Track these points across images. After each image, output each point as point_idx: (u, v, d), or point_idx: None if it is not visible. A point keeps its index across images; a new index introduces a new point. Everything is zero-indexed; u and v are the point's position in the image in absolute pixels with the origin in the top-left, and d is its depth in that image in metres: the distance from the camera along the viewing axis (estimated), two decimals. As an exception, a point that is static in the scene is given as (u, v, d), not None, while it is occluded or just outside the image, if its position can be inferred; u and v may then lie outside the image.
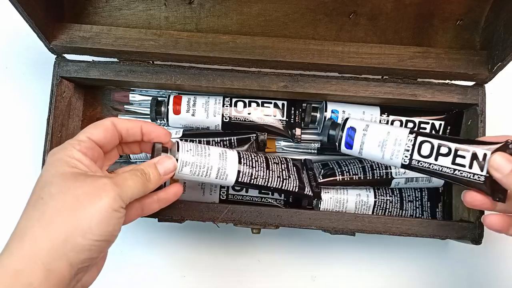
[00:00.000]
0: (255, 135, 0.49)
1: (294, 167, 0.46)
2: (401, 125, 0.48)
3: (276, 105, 0.49)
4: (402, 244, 0.52)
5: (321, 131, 0.43)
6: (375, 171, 0.47)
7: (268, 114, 0.49)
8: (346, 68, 0.46)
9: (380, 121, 0.48)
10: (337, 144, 0.42)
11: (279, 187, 0.43)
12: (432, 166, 0.37)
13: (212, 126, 0.49)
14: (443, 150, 0.36)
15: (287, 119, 0.49)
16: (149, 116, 0.49)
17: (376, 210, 0.48)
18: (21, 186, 0.53)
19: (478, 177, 0.35)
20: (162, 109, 0.48)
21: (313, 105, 0.49)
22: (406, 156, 0.38)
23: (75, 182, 0.31)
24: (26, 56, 0.55)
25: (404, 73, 0.46)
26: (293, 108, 0.49)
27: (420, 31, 0.47)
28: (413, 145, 0.37)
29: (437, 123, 0.48)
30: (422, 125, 0.48)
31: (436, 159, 0.37)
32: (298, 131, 0.49)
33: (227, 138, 0.48)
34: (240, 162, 0.41)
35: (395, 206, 0.49)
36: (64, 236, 0.29)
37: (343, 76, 0.46)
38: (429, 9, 0.46)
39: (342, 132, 0.41)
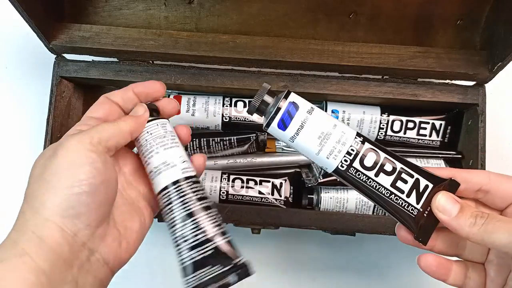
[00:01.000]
0: (255, 135, 0.49)
1: None
2: (401, 125, 0.48)
3: (276, 105, 0.49)
4: (402, 244, 0.52)
5: (255, 97, 0.33)
6: (375, 171, 0.47)
7: (268, 114, 0.49)
8: (346, 68, 0.46)
9: (380, 121, 0.48)
10: (266, 118, 0.32)
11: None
12: (370, 182, 0.31)
13: (212, 126, 0.49)
14: (388, 167, 0.31)
15: (287, 119, 0.49)
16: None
17: (376, 210, 0.48)
18: (21, 186, 0.53)
19: (412, 209, 0.31)
20: (162, 109, 0.48)
21: (313, 105, 0.49)
22: (345, 161, 0.31)
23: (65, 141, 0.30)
24: (26, 56, 0.55)
25: (404, 73, 0.46)
26: (293, 108, 0.49)
27: (420, 31, 0.47)
28: (358, 150, 0.31)
29: (437, 123, 0.48)
30: (422, 125, 0.48)
31: (377, 175, 0.31)
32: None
33: (227, 138, 0.48)
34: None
35: (395, 206, 0.48)
36: (40, 202, 0.28)
37: (343, 76, 0.46)
38: (429, 9, 0.46)
39: (280, 104, 0.31)
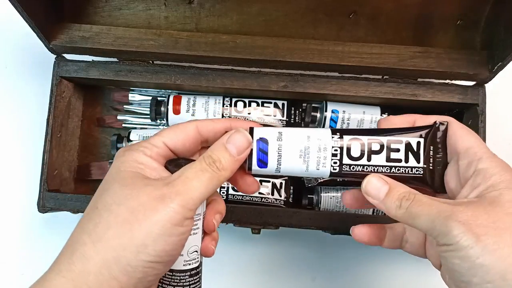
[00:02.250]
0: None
1: None
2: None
3: (276, 105, 0.49)
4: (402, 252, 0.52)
5: None
6: (375, 171, 0.47)
7: (268, 114, 0.49)
8: (346, 68, 0.46)
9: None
10: (246, 162, 0.31)
11: None
12: (366, 168, 0.31)
13: (212, 126, 0.49)
14: (375, 146, 0.31)
15: (287, 119, 0.49)
16: (149, 116, 0.49)
17: (376, 210, 0.48)
18: (21, 186, 0.53)
19: (417, 170, 0.31)
20: (162, 109, 0.48)
21: (313, 105, 0.49)
22: (335, 163, 0.31)
23: (132, 190, 0.26)
24: (26, 56, 0.55)
25: (404, 73, 0.46)
26: (293, 108, 0.49)
27: (420, 31, 0.47)
28: (341, 148, 0.31)
29: (437, 123, 0.48)
30: (422, 125, 0.48)
31: (369, 159, 0.31)
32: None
33: (227, 138, 0.48)
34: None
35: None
36: (114, 255, 0.25)
37: (343, 76, 0.46)
38: (429, 9, 0.46)
39: (250, 153, 0.31)
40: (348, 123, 0.48)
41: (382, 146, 0.31)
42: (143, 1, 0.47)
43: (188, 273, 0.31)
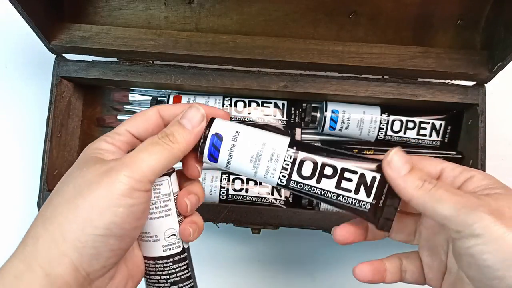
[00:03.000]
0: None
1: None
2: (401, 125, 0.48)
3: (276, 105, 0.49)
4: (402, 244, 0.52)
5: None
6: (375, 171, 0.47)
7: (268, 114, 0.49)
8: (346, 68, 0.46)
9: (380, 121, 0.48)
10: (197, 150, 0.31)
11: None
12: (313, 190, 0.30)
13: (212, 126, 0.49)
14: (328, 171, 0.30)
15: (287, 119, 0.49)
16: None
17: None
18: (21, 186, 0.53)
19: (364, 204, 0.30)
20: (162, 109, 0.48)
21: (313, 105, 0.49)
22: (283, 176, 0.30)
23: (81, 170, 0.27)
24: (26, 56, 0.55)
25: (404, 73, 0.46)
26: (293, 108, 0.49)
27: (420, 31, 0.47)
28: (293, 163, 0.30)
29: (437, 123, 0.48)
30: (422, 125, 0.48)
31: (318, 182, 0.30)
32: (298, 131, 0.49)
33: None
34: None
35: (395, 206, 0.48)
36: (62, 231, 0.25)
37: (343, 76, 0.46)
38: (429, 9, 0.46)
39: (205, 135, 0.30)
40: (348, 123, 0.48)
41: (335, 172, 0.30)
42: (143, 1, 0.47)
43: (171, 259, 0.30)
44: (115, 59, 0.47)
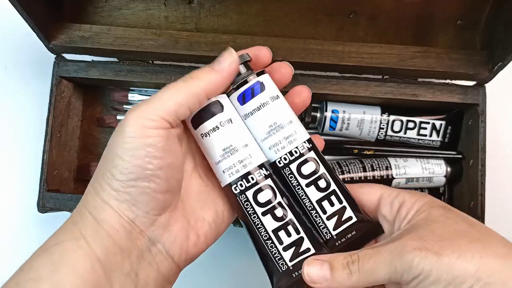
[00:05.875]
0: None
1: None
2: (401, 125, 0.48)
3: (276, 105, 0.49)
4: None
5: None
6: (375, 171, 0.47)
7: (268, 114, 0.48)
8: (346, 68, 0.46)
9: (380, 121, 0.48)
10: (232, 86, 0.31)
11: None
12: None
13: (212, 126, 0.49)
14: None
15: (287, 119, 0.49)
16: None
17: (376, 210, 0.48)
18: (21, 186, 0.53)
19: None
20: (162, 109, 0.48)
21: (313, 105, 0.49)
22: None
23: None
24: (26, 56, 0.55)
25: (404, 73, 0.46)
26: (293, 108, 0.49)
27: (420, 30, 0.47)
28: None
29: (437, 123, 0.48)
30: (422, 125, 0.48)
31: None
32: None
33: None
34: None
35: (395, 206, 0.48)
36: (99, 182, 0.26)
37: (343, 76, 0.46)
38: (429, 9, 0.46)
39: (249, 78, 0.31)
40: (348, 123, 0.48)
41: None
42: (143, 1, 0.47)
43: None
44: (115, 59, 0.47)
